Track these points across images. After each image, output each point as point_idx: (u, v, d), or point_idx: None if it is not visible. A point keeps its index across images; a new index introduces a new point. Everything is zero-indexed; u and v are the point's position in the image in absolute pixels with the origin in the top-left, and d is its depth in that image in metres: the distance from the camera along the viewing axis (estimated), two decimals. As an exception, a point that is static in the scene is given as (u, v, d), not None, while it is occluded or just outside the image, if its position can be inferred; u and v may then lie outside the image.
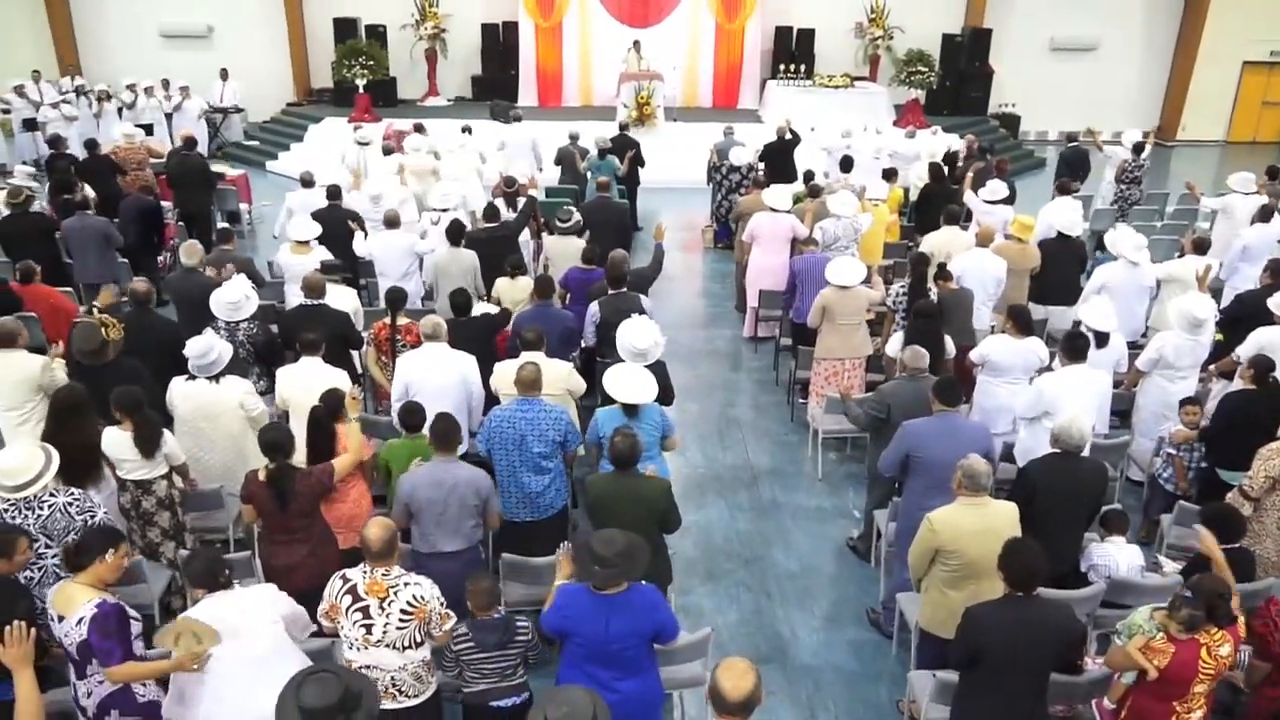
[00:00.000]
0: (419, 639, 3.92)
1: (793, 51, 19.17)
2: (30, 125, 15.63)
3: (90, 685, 3.76)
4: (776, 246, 9.20)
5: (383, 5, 18.45)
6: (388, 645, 3.84)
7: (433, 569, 4.12)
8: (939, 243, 8.41)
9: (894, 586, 5.44)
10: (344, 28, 18.37)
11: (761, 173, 11.69)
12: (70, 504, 4.42)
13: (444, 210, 9.01)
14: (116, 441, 5.06)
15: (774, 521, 6.78)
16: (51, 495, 4.40)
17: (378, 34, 18.43)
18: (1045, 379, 5.96)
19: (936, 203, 9.82)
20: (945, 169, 11.23)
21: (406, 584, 3.87)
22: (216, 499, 5.62)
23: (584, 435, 5.59)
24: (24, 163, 14.25)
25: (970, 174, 10.87)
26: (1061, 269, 8.41)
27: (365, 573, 3.89)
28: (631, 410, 5.22)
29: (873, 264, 9.13)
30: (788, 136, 12.69)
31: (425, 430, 5.04)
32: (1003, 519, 4.42)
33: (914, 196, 11.61)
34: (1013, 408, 6.25)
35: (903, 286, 7.53)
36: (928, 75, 17.95)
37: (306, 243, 8.03)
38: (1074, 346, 5.92)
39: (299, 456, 4.85)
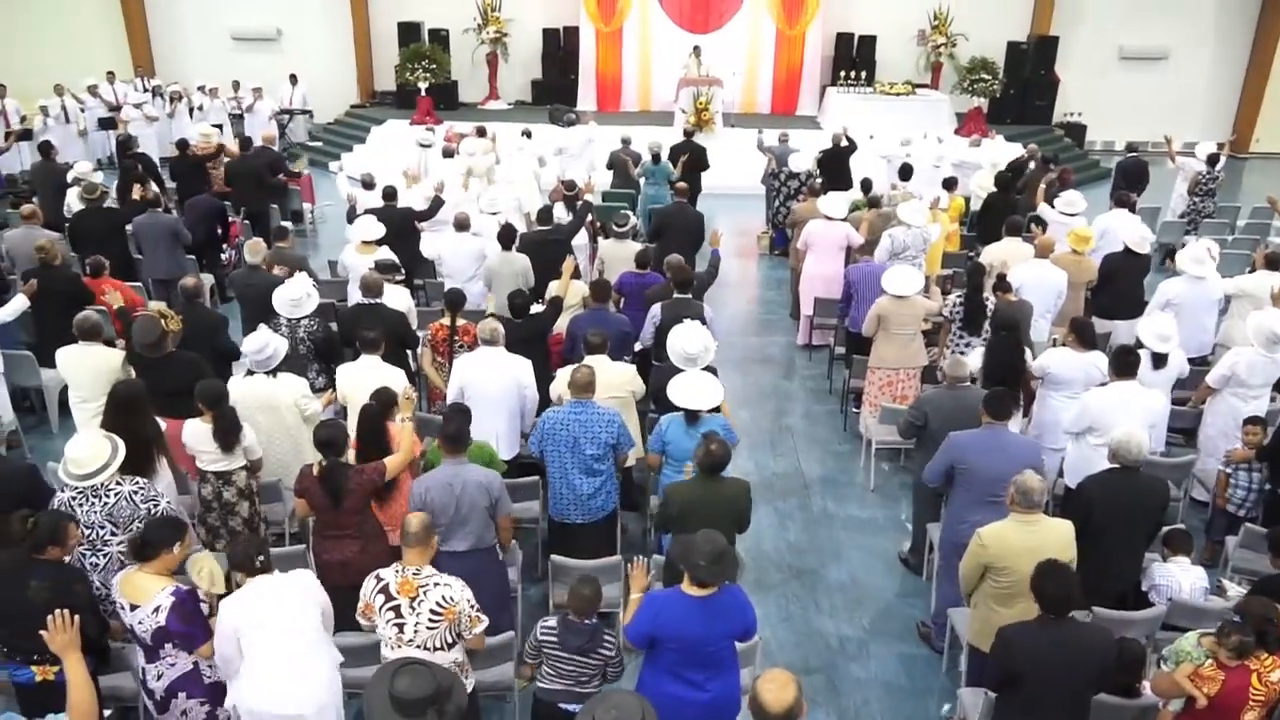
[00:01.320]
0: (450, 640, 3.94)
1: (853, 58, 19.02)
2: (106, 124, 16.12)
3: (161, 668, 3.87)
4: (831, 254, 9.13)
5: (446, 9, 18.71)
6: (419, 646, 3.87)
7: (446, 569, 4.15)
8: (999, 253, 8.27)
9: (944, 601, 5.36)
10: (408, 31, 18.67)
11: (817, 180, 11.60)
12: (135, 492, 4.54)
13: (493, 214, 9.10)
14: (197, 433, 5.18)
15: (825, 532, 6.72)
16: (117, 484, 4.51)
17: (440, 38, 18.70)
18: (1092, 394, 5.82)
19: (999, 213, 9.67)
20: (1010, 177, 11.03)
21: (436, 584, 3.89)
22: (275, 492, 5.74)
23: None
24: (98, 161, 14.72)
25: (1043, 185, 10.67)
26: (1126, 282, 8.22)
27: (398, 571, 3.94)
28: (694, 417, 5.21)
29: (931, 274, 9.01)
30: (844, 144, 12.58)
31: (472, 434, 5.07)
32: (1056, 537, 4.33)
33: (975, 206, 11.44)
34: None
35: (959, 297, 7.42)
36: (991, 83, 17.67)
37: (371, 242, 8.15)
38: (1123, 362, 5.76)
39: (350, 454, 4.92)
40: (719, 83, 16.84)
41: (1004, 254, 8.23)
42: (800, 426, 8.24)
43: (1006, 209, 9.82)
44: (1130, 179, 11.99)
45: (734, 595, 3.87)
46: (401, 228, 8.88)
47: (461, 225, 8.53)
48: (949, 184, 10.91)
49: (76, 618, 3.62)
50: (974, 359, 6.60)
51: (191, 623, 3.81)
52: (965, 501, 5.07)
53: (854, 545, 6.56)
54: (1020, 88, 18.67)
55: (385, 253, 8.09)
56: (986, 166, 12.21)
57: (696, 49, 17.42)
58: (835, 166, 12.31)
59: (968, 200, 11.64)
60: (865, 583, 6.18)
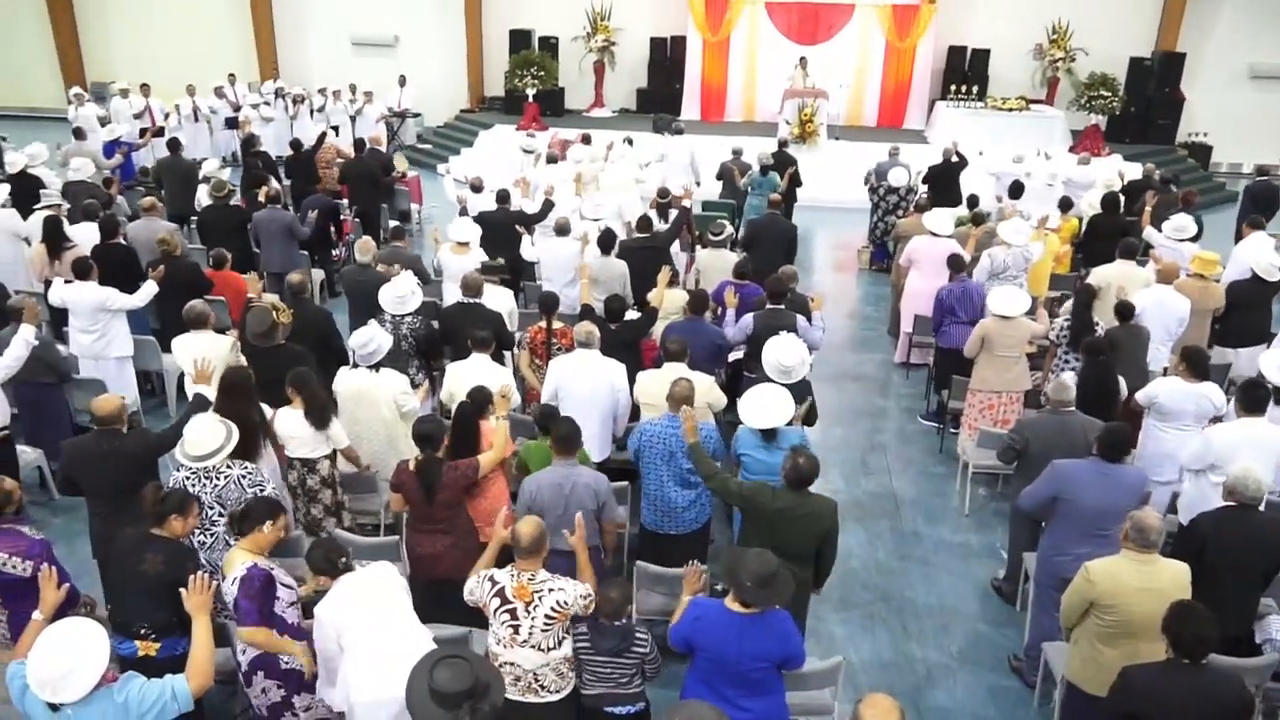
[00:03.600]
0: (561, 638, 4.00)
1: (965, 72, 18.58)
2: (231, 124, 16.90)
3: (247, 644, 4.03)
4: (935, 271, 8.93)
5: (557, 18, 19.04)
6: (532, 646, 3.93)
7: (551, 567, 4.20)
8: (1110, 276, 7.96)
9: (1039, 634, 5.18)
10: (519, 39, 19.05)
11: (924, 195, 11.37)
12: (243, 476, 4.74)
13: (595, 219, 9.20)
14: (288, 420, 5.39)
15: (915, 554, 6.57)
16: (227, 468, 4.73)
17: (550, 45, 19.03)
18: (1217, 429, 5.54)
19: (1106, 235, 9.32)
20: (1121, 199, 10.63)
21: (551, 589, 3.94)
22: (371, 483, 5.92)
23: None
24: (223, 159, 15.45)
25: (1149, 207, 10.24)
26: (1251, 310, 7.83)
27: (513, 575, 3.98)
28: (770, 432, 5.17)
29: (1039, 295, 8.75)
30: (954, 159, 12.31)
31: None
32: (1171, 579, 4.12)
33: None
34: (1179, 456, 5.84)
35: (1066, 319, 7.18)
36: (1111, 100, 17.03)
37: (466, 243, 8.33)
38: (1252, 397, 5.46)
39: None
40: (824, 95, 16.69)
41: (1115, 277, 7.93)
42: (894, 446, 8.08)
43: (1112, 231, 9.47)
44: (1259, 204, 11.39)
45: (778, 621, 3.79)
46: (510, 231, 9.08)
47: (562, 230, 8.66)
48: (1065, 204, 10.56)
49: (215, 583, 3.80)
50: (1065, 379, 6.38)
51: (251, 599, 3.90)
52: (1066, 533, 4.90)
53: (945, 569, 6.40)
54: (1142, 105, 17.94)
55: (481, 254, 8.26)
56: (1100, 186, 11.76)
57: (803, 60, 17.30)
58: (945, 182, 12.05)
59: (1080, 221, 11.23)
60: (955, 609, 6.02)
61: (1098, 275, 8.10)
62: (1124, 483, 4.85)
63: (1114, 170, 12.72)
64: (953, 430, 7.82)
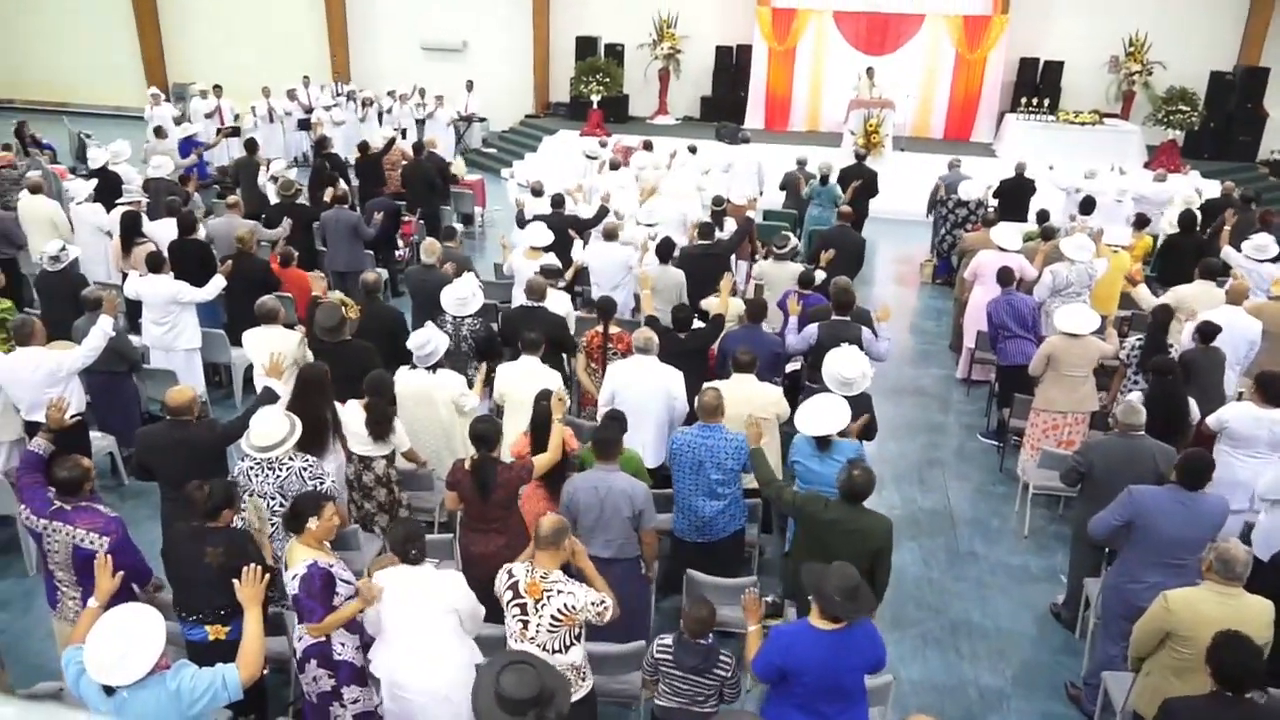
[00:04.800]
0: (569, 642, 4.00)
1: (1037, 84, 18.23)
2: (304, 125, 17.29)
3: (302, 631, 4.11)
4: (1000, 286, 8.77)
5: (624, 25, 19.15)
6: (539, 646, 3.93)
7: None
8: (1187, 297, 7.72)
9: (1101, 662, 5.03)
10: (585, 45, 19.20)
11: (992, 209, 11.16)
12: (304, 469, 4.84)
13: (651, 225, 9.20)
14: (353, 415, 5.47)
15: (971, 575, 6.44)
16: (290, 459, 4.83)
17: (616, 52, 19.15)
18: None
19: (1181, 254, 9.05)
20: (1198, 217, 10.31)
21: (560, 591, 3.94)
22: (427, 481, 5.99)
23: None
24: (295, 159, 15.81)
25: (1228, 226, 9.91)
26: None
27: (528, 571, 4.01)
28: (824, 442, 5.11)
29: (1108, 314, 8.53)
30: (1027, 174, 12.06)
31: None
32: (1255, 614, 3.97)
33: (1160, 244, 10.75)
34: (1253, 485, 5.64)
35: (1139, 339, 6.99)
36: (1189, 115, 16.56)
37: (539, 248, 8.39)
38: None
39: (504, 449, 5.08)
40: (891, 105, 16.50)
41: (1191, 297, 7.70)
42: (952, 463, 7.94)
43: (1189, 250, 9.19)
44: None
45: (864, 628, 3.77)
46: (564, 235, 9.13)
47: (610, 235, 8.69)
48: (1140, 221, 10.29)
49: (267, 575, 3.89)
50: (1133, 400, 6.20)
51: (313, 597, 3.97)
52: (1139, 560, 4.76)
53: (1001, 592, 6.26)
54: (1222, 121, 17.41)
55: (550, 259, 8.33)
56: (1176, 203, 11.44)
57: (870, 70, 17.14)
58: (1015, 198, 11.82)
59: (1155, 239, 10.93)
60: (1011, 632, 5.88)
61: (1173, 295, 7.87)
62: (1204, 512, 4.69)
63: (1191, 187, 12.37)
64: (1015, 446, 7.65)
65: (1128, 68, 17.72)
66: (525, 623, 3.96)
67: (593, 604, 3.97)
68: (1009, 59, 18.37)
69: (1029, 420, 7.16)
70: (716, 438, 5.24)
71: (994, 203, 11.63)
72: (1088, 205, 10.61)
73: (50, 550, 4.42)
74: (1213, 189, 12.95)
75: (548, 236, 8.47)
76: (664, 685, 4.17)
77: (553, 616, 3.92)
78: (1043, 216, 10.36)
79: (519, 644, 3.97)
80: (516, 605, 3.98)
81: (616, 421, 5.35)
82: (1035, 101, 17.77)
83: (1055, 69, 18.24)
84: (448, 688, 4.01)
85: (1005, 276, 8.04)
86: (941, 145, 17.58)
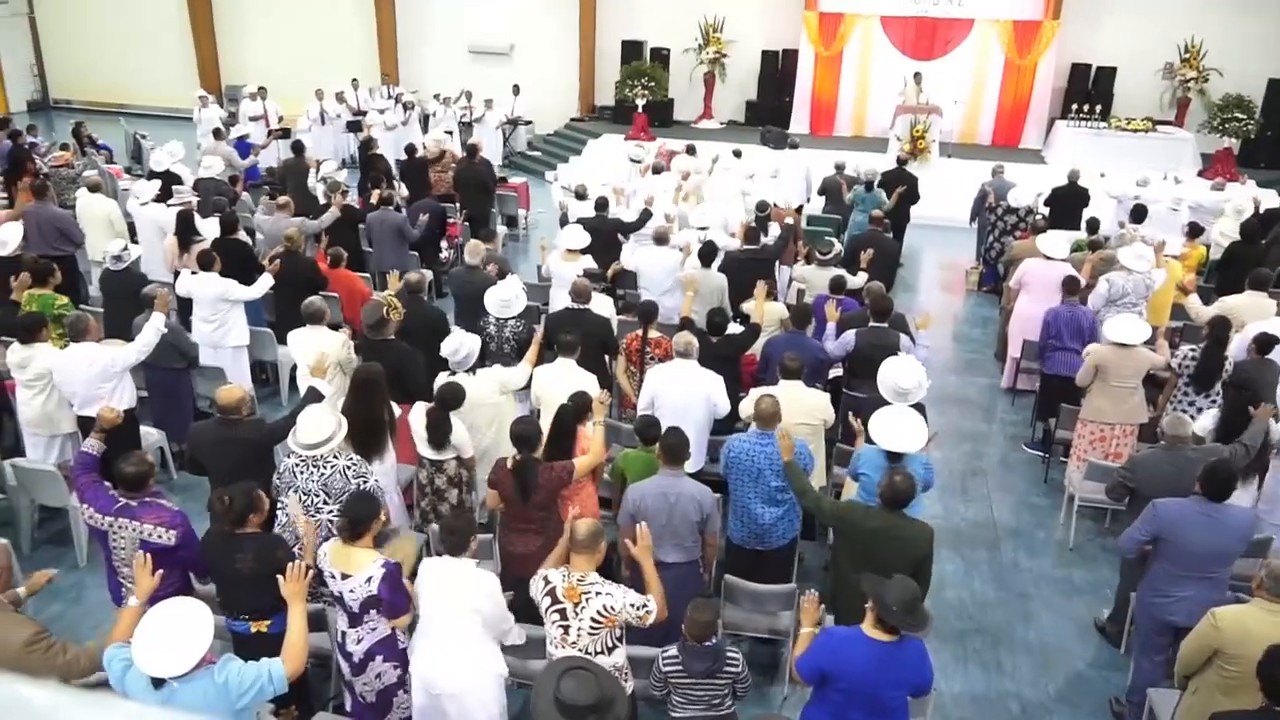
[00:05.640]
0: (610, 644, 4.00)
1: (1088, 90, 17.90)
2: (353, 127, 17.53)
3: (362, 633, 4.16)
4: (1047, 296, 8.61)
5: (670, 29, 19.16)
6: (580, 649, 3.93)
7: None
8: (1236, 307, 7.54)
9: (1142, 678, 4.94)
10: (631, 49, 19.24)
11: (1041, 217, 10.98)
12: (349, 467, 4.89)
13: (701, 229, 9.19)
14: (421, 419, 5.50)
15: (1014, 587, 6.35)
16: (335, 457, 4.88)
17: (661, 56, 19.17)
18: None
19: (1245, 264, 8.83)
20: (1259, 227, 10.06)
21: (598, 593, 3.94)
22: (469, 480, 6.03)
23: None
24: (343, 161, 16.03)
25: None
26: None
27: (564, 576, 4.01)
28: (896, 456, 5.02)
29: (1159, 325, 8.35)
30: (1080, 182, 11.85)
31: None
32: None
33: (1215, 255, 10.51)
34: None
35: (1193, 350, 6.84)
36: (1245, 123, 16.18)
37: (577, 250, 8.42)
38: None
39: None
40: (938, 111, 16.33)
41: (1241, 308, 7.52)
42: (996, 473, 7.83)
43: (1252, 260, 8.96)
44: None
45: (915, 647, 3.72)
46: (608, 238, 9.16)
47: (661, 239, 8.69)
48: (1194, 230, 10.07)
49: (311, 572, 3.96)
50: (1205, 420, 6.06)
51: (397, 592, 4.08)
52: (1169, 574, 4.69)
53: (1045, 605, 6.16)
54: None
55: (588, 261, 8.35)
56: (1230, 213, 11.17)
57: (917, 75, 16.97)
58: (1068, 206, 11.60)
59: (1208, 248, 10.69)
60: (1055, 647, 5.79)
61: (1223, 306, 7.70)
62: (1230, 524, 4.62)
63: (1248, 197, 12.07)
64: (1060, 460, 7.53)
65: (1183, 74, 17.35)
66: (565, 628, 3.96)
67: (632, 605, 3.96)
68: (1060, 64, 18.06)
69: (1075, 431, 7.05)
70: (775, 444, 5.20)
71: (1044, 210, 11.45)
72: (1139, 213, 10.40)
73: (116, 546, 4.49)
74: (1270, 198, 12.63)
75: (584, 239, 8.49)
76: (677, 696, 4.14)
77: (593, 619, 3.92)
78: (1093, 225, 10.19)
79: (560, 650, 3.98)
80: (555, 611, 3.98)
81: (654, 426, 5.35)
82: (1087, 108, 17.48)
83: (1108, 75, 17.91)
84: (464, 688, 4.04)
85: (1071, 285, 7.89)
86: (989, 151, 17.34)
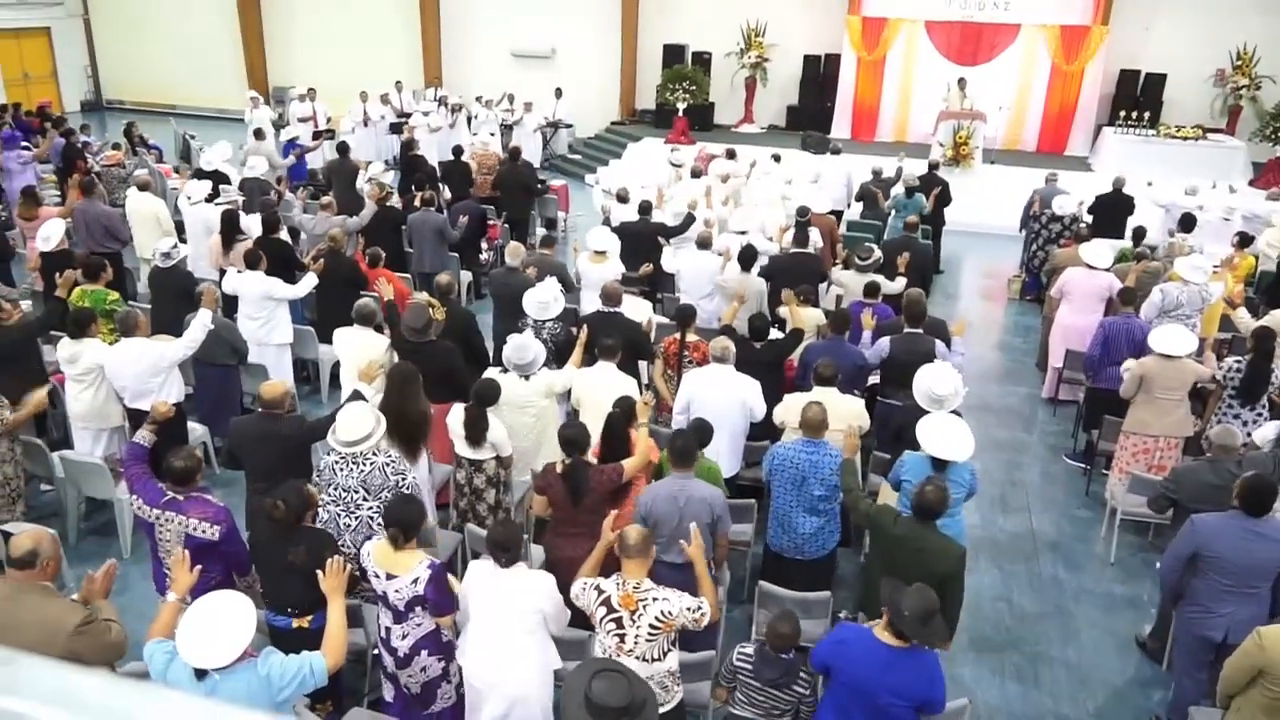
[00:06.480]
0: (666, 650, 4.00)
1: (1137, 97, 17.61)
2: (396, 129, 17.72)
3: (407, 629, 4.21)
4: (1089, 305, 8.51)
5: (711, 33, 19.15)
6: (638, 657, 3.93)
7: (662, 579, 4.20)
8: (1281, 320, 7.39)
9: (1183, 697, 4.85)
10: (673, 53, 19.27)
11: (1085, 225, 10.82)
12: (387, 464, 4.94)
13: (741, 233, 9.17)
14: (459, 418, 5.54)
15: (1053, 601, 6.26)
16: (374, 455, 4.93)
17: (703, 60, 19.17)
18: None
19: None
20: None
21: (655, 599, 3.94)
22: (505, 482, 6.06)
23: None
24: (385, 162, 16.21)
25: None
26: None
27: (619, 584, 4.01)
28: (941, 464, 4.98)
29: (1207, 336, 8.19)
30: (1125, 190, 11.67)
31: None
32: None
33: (1265, 265, 10.29)
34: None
35: (1238, 362, 6.70)
36: (1300, 131, 15.84)
37: (604, 252, 8.44)
38: None
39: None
40: (982, 117, 16.14)
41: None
42: (1036, 484, 7.73)
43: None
44: None
45: (926, 661, 3.66)
46: (650, 242, 9.18)
47: (703, 244, 8.68)
48: (1244, 240, 9.87)
49: (349, 567, 4.01)
50: (1269, 430, 5.93)
51: (443, 593, 4.12)
52: (1211, 590, 4.60)
53: (1085, 620, 6.07)
54: (1335, 138, 16.59)
55: (616, 263, 8.36)
56: (1277, 223, 10.92)
57: (961, 81, 16.79)
58: (1112, 214, 11.43)
59: (1257, 259, 10.47)
60: (1094, 663, 5.69)
61: (1274, 320, 7.52)
62: (1272, 537, 4.52)
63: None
64: (1102, 472, 7.41)
65: (1235, 81, 17.01)
66: (622, 636, 3.94)
67: (688, 609, 3.95)
68: (1108, 70, 17.78)
69: (1118, 443, 6.93)
70: (821, 453, 5.18)
71: (1088, 218, 11.28)
72: (1188, 222, 10.21)
73: (162, 539, 4.59)
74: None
75: (610, 241, 8.51)
76: (740, 694, 4.15)
77: (651, 625, 3.90)
78: (1139, 234, 10.01)
79: (616, 658, 3.93)
80: (611, 620, 3.95)
81: (701, 431, 5.33)
82: (1135, 115, 17.19)
83: (1157, 81, 17.61)
84: (522, 688, 4.07)
85: (1127, 296, 7.75)
86: (1034, 158, 17.13)
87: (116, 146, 13.87)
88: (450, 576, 4.25)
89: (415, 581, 4.09)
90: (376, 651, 4.51)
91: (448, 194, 11.86)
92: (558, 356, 6.99)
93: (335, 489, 4.91)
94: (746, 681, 4.10)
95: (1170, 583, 4.85)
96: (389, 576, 4.14)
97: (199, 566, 4.06)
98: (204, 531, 4.45)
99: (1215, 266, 8.94)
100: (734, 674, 4.15)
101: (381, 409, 5.29)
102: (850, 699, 3.68)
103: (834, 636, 3.79)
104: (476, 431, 5.45)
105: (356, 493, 4.89)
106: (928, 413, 5.35)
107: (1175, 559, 4.75)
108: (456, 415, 5.55)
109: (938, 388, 5.52)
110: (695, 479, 4.85)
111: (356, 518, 4.89)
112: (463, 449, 5.57)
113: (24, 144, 13.07)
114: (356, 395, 5.57)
